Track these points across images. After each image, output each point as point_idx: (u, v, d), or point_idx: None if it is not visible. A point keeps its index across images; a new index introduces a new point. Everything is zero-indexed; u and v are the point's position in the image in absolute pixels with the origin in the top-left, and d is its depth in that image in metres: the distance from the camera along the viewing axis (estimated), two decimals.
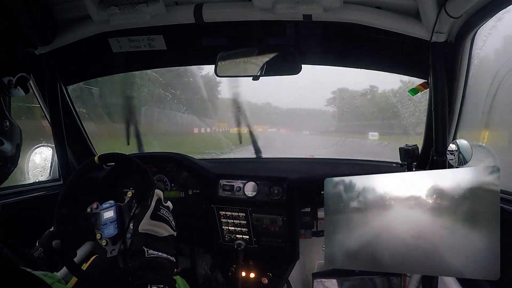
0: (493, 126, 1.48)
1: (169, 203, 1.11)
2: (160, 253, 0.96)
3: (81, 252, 1.29)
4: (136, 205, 1.20)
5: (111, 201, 1.21)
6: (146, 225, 1.01)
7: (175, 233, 1.06)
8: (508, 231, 1.03)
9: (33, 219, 1.47)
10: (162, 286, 0.88)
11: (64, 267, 1.13)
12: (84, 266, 1.20)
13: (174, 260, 0.99)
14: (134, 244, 0.99)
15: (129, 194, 1.23)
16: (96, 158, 1.26)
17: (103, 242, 1.18)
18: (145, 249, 0.95)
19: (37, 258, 1.14)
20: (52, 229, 1.18)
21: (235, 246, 1.64)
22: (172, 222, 1.07)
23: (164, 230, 1.02)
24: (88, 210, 1.23)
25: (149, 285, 0.87)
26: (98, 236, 1.19)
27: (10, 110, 0.73)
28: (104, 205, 1.20)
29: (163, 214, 1.05)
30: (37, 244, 1.17)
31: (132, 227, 1.18)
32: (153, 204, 1.05)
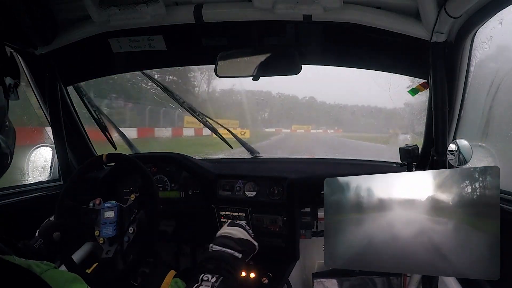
0: (493, 126, 1.48)
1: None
2: (224, 248, 0.99)
3: (81, 252, 1.29)
4: (137, 210, 1.20)
5: (114, 202, 1.21)
6: (223, 229, 1.09)
7: (254, 243, 1.10)
8: (508, 231, 1.03)
9: (33, 219, 1.47)
10: (217, 275, 0.90)
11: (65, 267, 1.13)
12: (88, 272, 1.20)
13: (240, 257, 1.00)
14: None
15: (132, 197, 1.23)
16: (104, 156, 1.27)
17: (101, 240, 1.18)
18: (211, 245, 1.00)
19: (37, 249, 1.14)
20: (52, 218, 1.18)
21: None
22: (250, 231, 1.13)
23: (239, 233, 1.07)
24: (91, 205, 1.24)
25: (203, 273, 0.91)
26: (96, 233, 1.19)
27: (7, 111, 0.72)
28: (106, 204, 1.20)
29: (240, 223, 1.13)
30: (36, 234, 1.17)
31: (130, 231, 1.19)
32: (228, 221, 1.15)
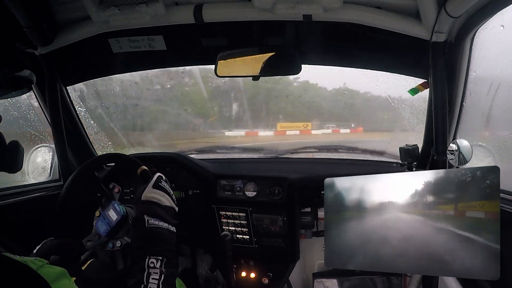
0: (494, 126, 1.48)
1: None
2: (160, 223, 0.96)
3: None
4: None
5: (124, 210, 1.20)
6: (149, 193, 1.02)
7: (176, 208, 1.06)
8: (508, 231, 1.03)
9: (33, 219, 1.47)
10: (161, 258, 0.89)
11: None
12: (82, 268, 1.20)
13: (174, 231, 0.98)
14: (135, 212, 1.00)
15: None
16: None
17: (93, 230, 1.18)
18: (146, 218, 0.95)
19: None
20: (50, 243, 1.16)
21: (222, 236, 1.64)
22: (173, 196, 1.07)
23: (166, 200, 1.03)
24: (110, 186, 1.24)
25: (148, 256, 0.88)
26: (97, 213, 1.20)
27: None
28: (116, 205, 1.19)
29: (164, 186, 1.06)
30: (34, 252, 1.15)
31: (118, 245, 1.20)
32: (154, 177, 1.06)
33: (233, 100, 3.23)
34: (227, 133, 3.34)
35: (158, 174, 1.08)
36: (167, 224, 0.96)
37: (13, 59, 0.74)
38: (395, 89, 1.74)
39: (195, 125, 3.21)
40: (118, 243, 1.19)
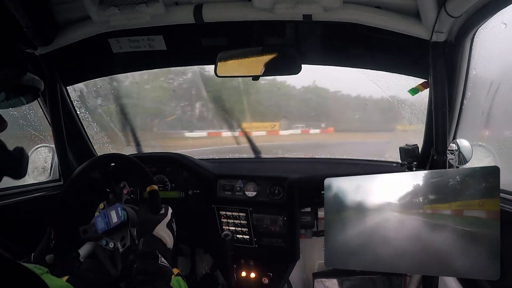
0: (494, 126, 1.48)
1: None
2: (166, 263, 0.98)
3: (82, 252, 1.29)
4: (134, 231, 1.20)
5: (126, 216, 1.19)
6: (162, 231, 1.04)
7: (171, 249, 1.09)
8: (508, 231, 1.03)
9: (33, 219, 1.47)
10: None
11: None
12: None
13: (172, 273, 1.01)
14: (145, 244, 1.01)
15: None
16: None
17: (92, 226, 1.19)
18: (159, 255, 0.97)
19: None
20: (42, 244, 1.16)
21: (223, 237, 1.64)
22: (174, 238, 1.09)
23: (170, 242, 1.05)
24: (121, 185, 1.25)
25: None
26: (101, 206, 1.21)
27: None
28: (120, 210, 1.18)
29: (174, 227, 1.09)
30: (32, 258, 1.16)
31: (111, 246, 1.19)
32: (169, 214, 1.08)
33: (194, 98, 2.92)
34: (187, 134, 3.11)
35: (171, 211, 1.10)
36: (169, 266, 0.99)
37: (13, 59, 0.73)
38: (395, 89, 1.75)
39: (152, 125, 3.00)
40: (111, 245, 1.19)
